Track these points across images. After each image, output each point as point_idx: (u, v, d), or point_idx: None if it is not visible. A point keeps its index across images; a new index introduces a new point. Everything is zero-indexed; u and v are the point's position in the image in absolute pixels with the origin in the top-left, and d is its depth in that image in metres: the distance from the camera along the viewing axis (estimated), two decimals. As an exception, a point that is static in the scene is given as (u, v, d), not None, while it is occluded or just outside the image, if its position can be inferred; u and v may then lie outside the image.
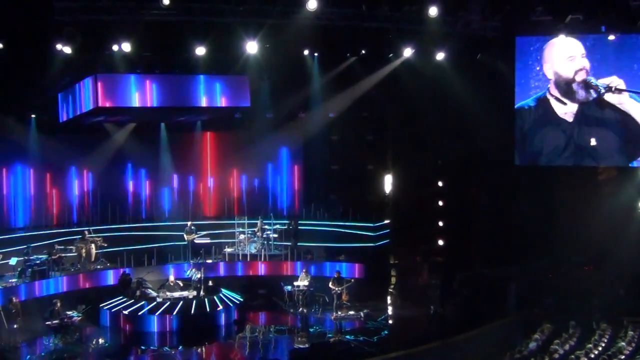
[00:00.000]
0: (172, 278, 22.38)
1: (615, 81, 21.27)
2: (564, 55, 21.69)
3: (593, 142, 21.69)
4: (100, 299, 22.07)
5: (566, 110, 21.90)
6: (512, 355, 16.11)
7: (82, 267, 23.52)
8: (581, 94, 21.64)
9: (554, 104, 21.97)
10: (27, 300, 21.14)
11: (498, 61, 22.60)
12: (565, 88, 21.86)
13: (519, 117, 22.46)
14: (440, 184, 26.72)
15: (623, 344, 15.53)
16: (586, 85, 21.47)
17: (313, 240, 26.06)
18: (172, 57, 21.74)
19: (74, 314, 20.08)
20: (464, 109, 23.00)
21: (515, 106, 22.38)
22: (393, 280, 26.80)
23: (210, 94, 22.42)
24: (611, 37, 20.95)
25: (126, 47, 19.73)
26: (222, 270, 25.00)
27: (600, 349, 15.62)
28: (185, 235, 24.90)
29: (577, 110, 21.84)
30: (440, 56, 22.52)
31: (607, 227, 22.22)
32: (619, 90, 21.19)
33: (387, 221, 27.35)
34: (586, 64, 21.52)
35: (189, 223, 25.26)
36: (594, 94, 21.56)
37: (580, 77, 21.58)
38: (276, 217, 26.32)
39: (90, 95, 21.16)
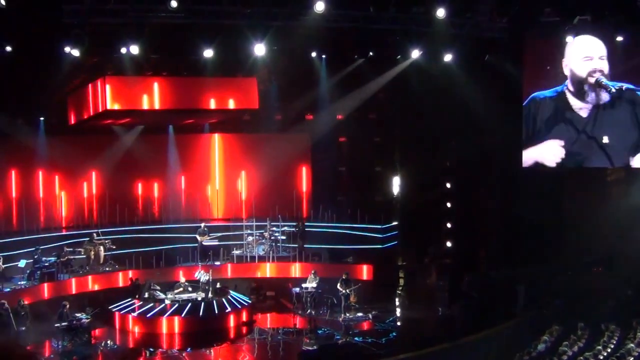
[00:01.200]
0: (181, 280, 22.44)
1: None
2: (580, 55, 21.44)
3: (606, 139, 21.49)
4: (109, 301, 22.15)
5: (581, 106, 21.67)
6: (520, 357, 16.09)
7: (91, 269, 23.57)
8: (592, 96, 21.45)
9: (570, 98, 21.75)
10: (36, 303, 21.19)
11: (506, 62, 22.55)
12: (578, 87, 21.65)
13: (531, 108, 22.11)
14: (448, 185, 26.66)
15: (632, 345, 15.47)
16: (598, 87, 21.30)
17: (321, 241, 26.04)
18: (180, 59, 21.81)
19: (83, 316, 20.13)
20: (471, 111, 22.94)
21: (530, 96, 22.01)
22: (401, 281, 26.80)
23: (218, 96, 22.47)
24: (619, 39, 20.90)
25: (134, 49, 19.75)
26: (230, 272, 25.02)
27: (609, 350, 15.58)
28: (198, 237, 24.99)
29: (592, 107, 21.62)
30: (448, 58, 22.48)
31: (615, 228, 22.16)
32: (630, 91, 21.11)
33: (395, 223, 27.34)
34: (604, 66, 21.24)
35: (202, 225, 25.34)
36: (606, 97, 21.38)
37: (593, 79, 21.37)
38: (284, 219, 26.34)
39: (98, 97, 21.24)
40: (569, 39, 21.11)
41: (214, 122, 26.89)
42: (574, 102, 21.53)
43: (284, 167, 28.03)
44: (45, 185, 25.66)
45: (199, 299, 21.60)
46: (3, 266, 21.77)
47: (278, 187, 28.03)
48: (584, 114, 21.54)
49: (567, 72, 21.62)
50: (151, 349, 20.30)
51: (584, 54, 21.31)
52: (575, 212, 23.57)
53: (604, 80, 21.19)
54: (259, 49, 20.67)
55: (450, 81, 22.98)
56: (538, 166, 22.04)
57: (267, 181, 28.06)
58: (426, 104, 24.24)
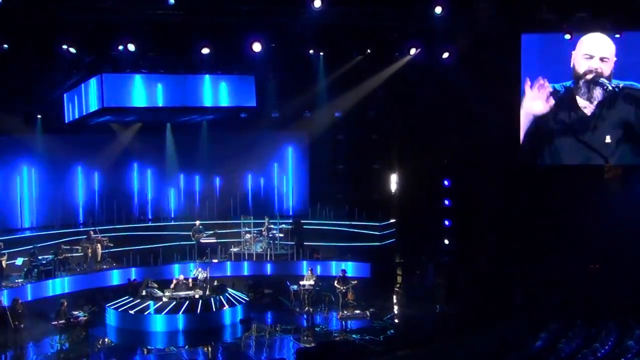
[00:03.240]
0: (180, 277, 22.42)
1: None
2: (582, 52, 21.48)
3: (608, 139, 21.49)
4: (107, 298, 22.12)
5: (585, 105, 21.67)
6: (518, 354, 16.08)
7: (88, 267, 23.55)
8: (589, 93, 21.46)
9: (577, 95, 21.73)
10: (34, 301, 21.16)
11: (504, 59, 22.53)
12: (578, 84, 21.68)
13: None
14: (446, 183, 26.63)
15: (631, 342, 15.48)
16: (594, 84, 21.29)
17: (319, 239, 26.05)
18: (177, 57, 21.73)
19: (80, 314, 20.11)
20: (469, 108, 22.95)
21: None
22: (399, 279, 26.79)
23: (215, 94, 22.43)
24: (617, 36, 20.90)
25: (131, 47, 19.72)
26: (228, 269, 25.00)
27: (606, 347, 15.58)
28: (192, 235, 24.96)
29: (596, 106, 21.60)
30: (446, 55, 22.44)
31: (613, 225, 22.16)
32: (631, 89, 21.14)
33: (393, 220, 27.36)
34: (604, 66, 21.25)
35: (197, 222, 25.31)
36: (601, 96, 21.36)
37: (590, 77, 21.38)
38: (282, 217, 26.31)
39: (95, 95, 21.19)
40: (567, 36, 21.14)
41: (212, 119, 26.82)
42: (579, 100, 21.59)
43: (282, 164, 28.06)
44: (42, 183, 25.61)
45: (197, 296, 21.56)
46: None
47: (276, 185, 28.04)
48: (588, 112, 21.58)
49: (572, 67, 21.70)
50: (148, 347, 20.27)
51: (585, 52, 21.38)
52: (574, 209, 23.53)
53: (599, 79, 21.23)
54: (257, 47, 20.62)
55: (448, 78, 22.96)
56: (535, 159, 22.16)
57: (265, 179, 28.11)
58: (424, 101, 24.23)
